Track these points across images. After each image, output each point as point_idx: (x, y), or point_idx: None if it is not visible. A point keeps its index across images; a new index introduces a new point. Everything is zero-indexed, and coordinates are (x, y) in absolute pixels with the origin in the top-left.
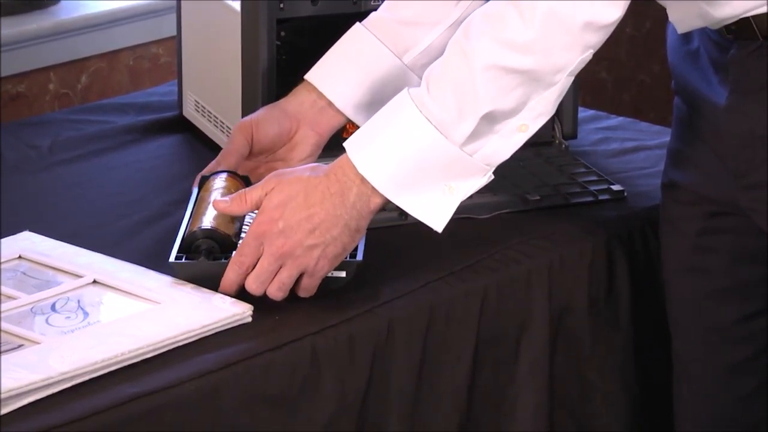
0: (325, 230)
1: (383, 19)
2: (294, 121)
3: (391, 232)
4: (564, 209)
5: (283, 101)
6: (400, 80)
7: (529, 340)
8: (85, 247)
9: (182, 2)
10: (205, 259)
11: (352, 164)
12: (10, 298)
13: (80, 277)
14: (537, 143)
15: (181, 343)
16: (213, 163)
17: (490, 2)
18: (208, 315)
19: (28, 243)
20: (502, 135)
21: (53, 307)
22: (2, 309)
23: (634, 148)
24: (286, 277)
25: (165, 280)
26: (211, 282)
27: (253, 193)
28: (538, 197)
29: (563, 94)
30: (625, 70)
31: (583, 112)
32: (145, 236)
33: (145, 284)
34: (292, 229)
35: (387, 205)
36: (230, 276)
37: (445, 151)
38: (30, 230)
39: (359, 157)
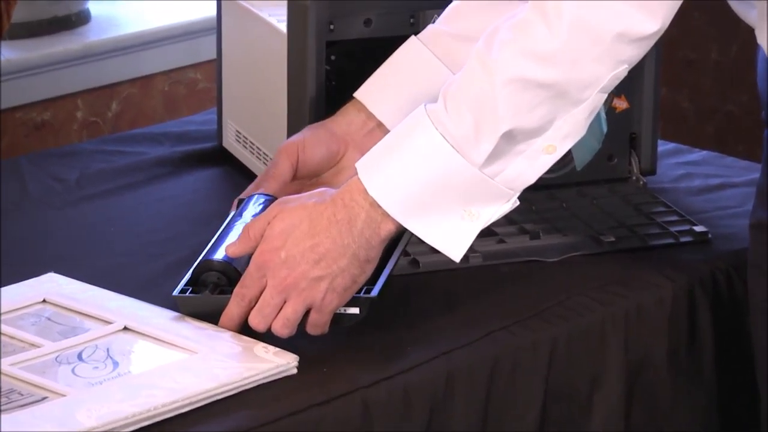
0: (331, 261)
1: (439, 33)
2: (342, 143)
3: (449, 276)
4: (642, 252)
5: (330, 121)
6: None
7: (602, 396)
8: (114, 291)
9: (223, 23)
10: (209, 294)
11: (361, 187)
12: (34, 345)
13: (109, 323)
14: (612, 179)
15: (219, 397)
16: (252, 185)
17: (517, 10)
18: (250, 366)
19: (53, 285)
20: (527, 156)
21: (80, 356)
22: (25, 358)
23: (719, 185)
24: (291, 313)
25: (202, 327)
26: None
27: (256, 225)
28: (613, 239)
29: (594, 113)
30: (709, 99)
31: (663, 146)
32: (180, 279)
33: (180, 331)
34: (296, 260)
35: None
36: (232, 309)
37: (463, 173)
38: (55, 271)
39: (369, 178)
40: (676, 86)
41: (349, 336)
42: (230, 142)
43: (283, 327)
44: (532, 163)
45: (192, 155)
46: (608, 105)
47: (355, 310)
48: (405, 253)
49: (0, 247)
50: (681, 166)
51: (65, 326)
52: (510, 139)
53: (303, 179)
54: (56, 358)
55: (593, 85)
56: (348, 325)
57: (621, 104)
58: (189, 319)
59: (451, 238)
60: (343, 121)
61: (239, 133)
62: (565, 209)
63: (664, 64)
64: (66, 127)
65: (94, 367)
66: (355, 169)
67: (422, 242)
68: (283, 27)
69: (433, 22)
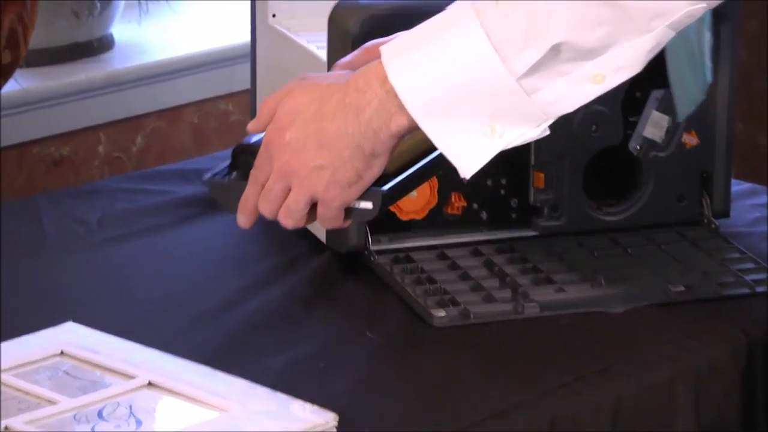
0: (335, 151)
1: None
2: None
3: (502, 328)
4: (714, 303)
5: (385, 40)
6: None
7: None
8: (138, 342)
9: (258, 49)
10: (238, 178)
11: (381, 72)
12: (50, 402)
13: (133, 377)
14: (681, 222)
15: None
16: None
17: None
18: (285, 425)
19: (72, 336)
20: (571, 80)
21: (100, 414)
22: (40, 416)
23: None
24: (293, 202)
25: (234, 383)
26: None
27: (270, 101)
28: (682, 288)
29: (657, 50)
30: None
31: (738, 186)
32: (210, 330)
33: (210, 387)
34: (299, 144)
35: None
36: (248, 193)
37: (498, 80)
38: (74, 321)
39: (393, 64)
40: (752, 120)
41: (394, 394)
42: None
43: (285, 216)
44: (575, 89)
45: None
46: (678, 139)
47: (368, 205)
48: (454, 301)
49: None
50: (757, 208)
51: (84, 381)
52: (558, 54)
53: None
54: (74, 416)
55: (663, 15)
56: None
57: (691, 140)
58: (219, 374)
59: (467, 151)
60: None
61: None
62: (630, 255)
63: (739, 95)
64: (87, 162)
65: (116, 425)
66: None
67: (474, 292)
68: (323, 54)
69: None
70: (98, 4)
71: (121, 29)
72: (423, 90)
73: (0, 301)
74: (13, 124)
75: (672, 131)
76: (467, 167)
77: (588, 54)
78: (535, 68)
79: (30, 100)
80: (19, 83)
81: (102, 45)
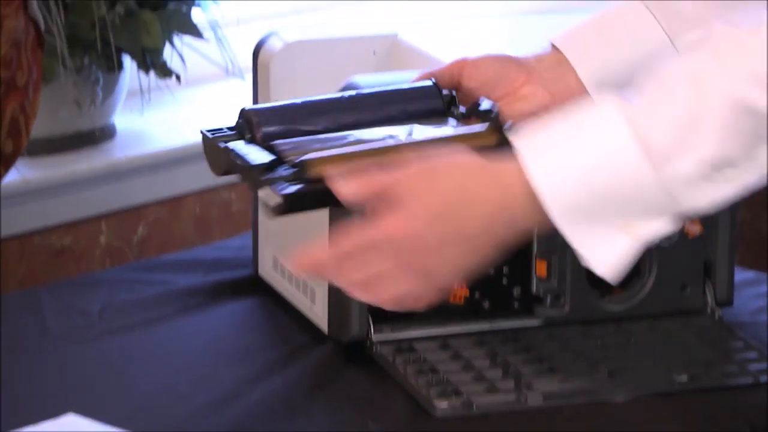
0: (477, 247)
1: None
2: (524, 71)
3: (505, 419)
4: (718, 393)
5: (473, 59)
6: None
7: None
8: None
9: None
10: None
11: (523, 169)
12: None
13: None
14: (684, 311)
15: None
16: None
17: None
18: None
19: (73, 428)
20: (716, 183)
21: None
22: None
23: None
24: (394, 286)
25: None
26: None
27: (383, 178)
28: (686, 378)
29: None
30: None
31: (741, 273)
32: (211, 421)
33: None
34: (443, 244)
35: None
36: (319, 251)
37: (647, 187)
38: (75, 412)
39: (536, 165)
40: (756, 208)
41: None
42: (267, 270)
43: (392, 303)
44: (719, 191)
45: (226, 285)
46: (681, 228)
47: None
48: (457, 391)
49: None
50: (761, 297)
51: None
52: (707, 162)
53: (465, 93)
54: None
55: None
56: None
57: (694, 229)
58: None
59: (607, 254)
60: (533, 56)
61: (277, 260)
62: (634, 344)
63: None
64: (88, 253)
65: None
66: (515, 147)
67: (477, 382)
68: None
69: None
70: (100, 94)
71: (124, 118)
72: (567, 196)
73: (0, 392)
74: (14, 214)
75: None
76: (607, 270)
77: (736, 161)
78: (685, 177)
79: (31, 189)
80: (20, 173)
81: (104, 134)
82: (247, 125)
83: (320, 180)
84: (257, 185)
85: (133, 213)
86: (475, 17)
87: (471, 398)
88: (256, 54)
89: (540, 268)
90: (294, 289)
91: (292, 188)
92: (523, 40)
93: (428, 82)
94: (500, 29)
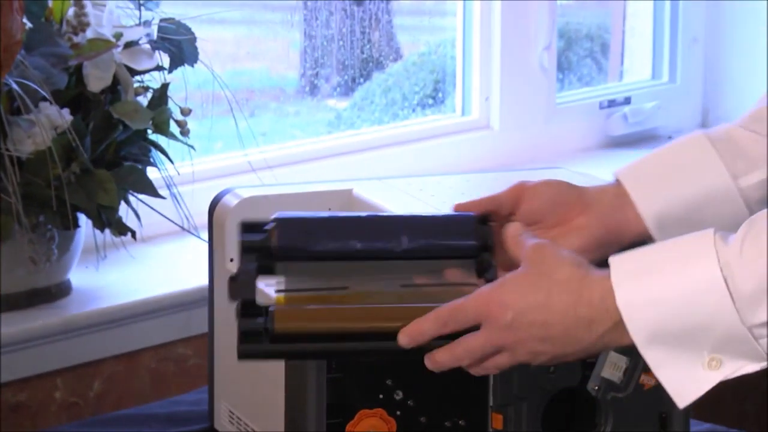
0: (559, 346)
1: (734, 134)
2: (581, 202)
3: None
4: None
5: (576, 184)
6: (725, 205)
7: None
8: None
9: (215, 293)
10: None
11: (612, 292)
12: None
13: None
14: None
15: None
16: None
17: None
18: None
19: None
20: None
21: None
22: None
23: None
24: (494, 366)
25: None
26: None
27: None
28: None
29: None
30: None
31: (697, 426)
32: None
33: None
34: (521, 327)
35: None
36: (427, 325)
37: (729, 324)
38: None
39: (623, 288)
40: None
41: None
42: (223, 424)
43: (481, 370)
44: None
45: None
46: (636, 380)
47: None
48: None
49: None
50: None
51: None
52: None
53: (522, 220)
54: None
55: None
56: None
57: (650, 381)
58: None
59: (685, 381)
60: (595, 187)
61: (233, 414)
62: None
63: None
64: (44, 409)
65: None
66: (609, 272)
67: None
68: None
69: None
70: (56, 251)
71: (79, 275)
72: (649, 322)
73: None
74: None
75: (630, 371)
76: (684, 397)
77: None
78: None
79: None
80: None
81: (60, 291)
82: (271, 234)
83: (284, 335)
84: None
85: (89, 368)
86: (429, 175)
87: None
88: (211, 210)
89: (496, 420)
90: None
91: (248, 347)
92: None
93: (468, 215)
94: (454, 186)
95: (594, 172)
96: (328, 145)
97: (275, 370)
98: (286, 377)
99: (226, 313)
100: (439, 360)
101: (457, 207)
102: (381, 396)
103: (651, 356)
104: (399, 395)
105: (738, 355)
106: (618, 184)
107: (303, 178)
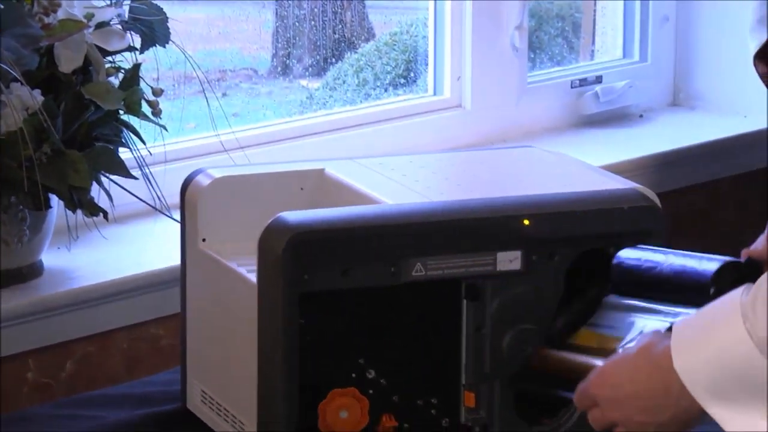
0: (651, 415)
1: None
2: None
3: None
4: None
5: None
6: None
7: None
8: None
9: (188, 274)
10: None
11: (671, 354)
12: None
13: None
14: None
15: None
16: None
17: None
18: None
19: None
20: None
21: None
22: None
23: None
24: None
25: None
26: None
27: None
28: None
29: None
30: None
31: None
32: None
33: None
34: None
35: None
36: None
37: (765, 371)
38: None
39: (680, 357)
40: None
41: None
42: (196, 404)
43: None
44: None
45: (155, 419)
46: None
47: None
48: None
49: None
50: None
51: None
52: None
53: None
54: None
55: None
56: None
57: None
58: None
59: (746, 429)
60: None
61: (205, 393)
62: None
63: None
64: (16, 390)
65: None
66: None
67: None
68: (253, 277)
69: (416, 271)
70: (27, 232)
71: (51, 256)
72: (701, 379)
73: None
74: None
75: None
76: None
77: None
78: None
79: None
80: None
81: (31, 272)
82: None
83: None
84: None
85: (61, 349)
86: (401, 155)
87: None
88: (183, 190)
89: (468, 398)
90: (223, 422)
91: None
92: (445, 176)
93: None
94: (426, 165)
95: (565, 150)
96: (300, 125)
97: (248, 349)
98: (259, 357)
99: (198, 293)
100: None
101: (746, 253)
102: (353, 375)
103: (714, 411)
104: (371, 374)
105: None
106: None
107: (275, 158)
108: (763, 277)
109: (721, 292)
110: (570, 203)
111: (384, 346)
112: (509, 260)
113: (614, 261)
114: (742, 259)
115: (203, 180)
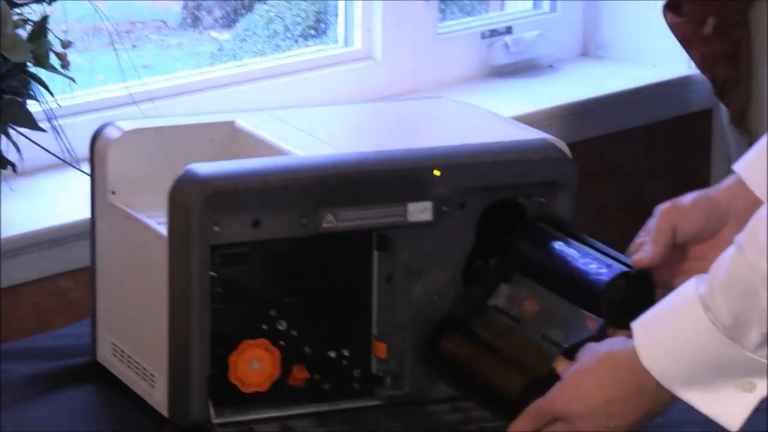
0: (629, 415)
1: None
2: (723, 216)
3: None
4: None
5: (712, 190)
6: None
7: None
8: None
9: (97, 226)
10: None
11: (636, 351)
12: None
13: None
14: None
15: None
16: (633, 246)
17: None
18: None
19: None
20: None
21: None
22: None
23: None
24: None
25: None
26: None
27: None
28: None
29: None
30: None
31: None
32: None
33: None
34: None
35: None
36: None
37: (737, 355)
38: None
39: (650, 356)
40: None
41: None
42: (106, 357)
43: None
44: None
45: (65, 372)
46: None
47: None
48: None
49: None
50: None
51: None
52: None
53: (678, 246)
54: None
55: None
56: None
57: (532, 307)
58: None
59: (730, 409)
60: (727, 191)
61: (116, 346)
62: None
63: None
64: None
65: None
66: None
67: None
68: (163, 230)
69: (327, 222)
70: None
71: None
72: (675, 373)
73: None
74: None
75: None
76: (733, 422)
77: None
78: (762, 342)
79: None
80: None
81: None
82: None
83: None
84: None
85: None
86: (312, 106)
87: None
88: (93, 143)
89: (379, 349)
90: (133, 375)
91: None
92: (356, 127)
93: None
94: (337, 117)
95: (476, 101)
96: (210, 77)
97: (159, 301)
98: (170, 309)
99: (108, 246)
100: None
101: (637, 263)
102: (265, 326)
103: (690, 397)
104: (283, 325)
105: (763, 374)
106: (741, 181)
107: (185, 110)
108: (714, 268)
109: (612, 305)
110: (480, 154)
111: (295, 298)
112: (420, 211)
113: (516, 247)
114: (632, 262)
115: (112, 132)
